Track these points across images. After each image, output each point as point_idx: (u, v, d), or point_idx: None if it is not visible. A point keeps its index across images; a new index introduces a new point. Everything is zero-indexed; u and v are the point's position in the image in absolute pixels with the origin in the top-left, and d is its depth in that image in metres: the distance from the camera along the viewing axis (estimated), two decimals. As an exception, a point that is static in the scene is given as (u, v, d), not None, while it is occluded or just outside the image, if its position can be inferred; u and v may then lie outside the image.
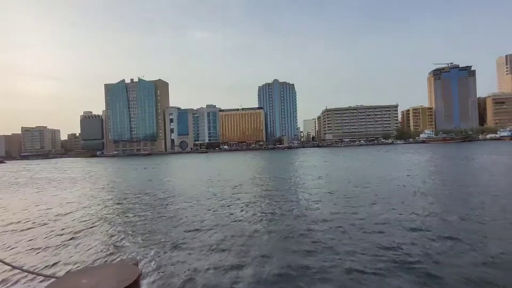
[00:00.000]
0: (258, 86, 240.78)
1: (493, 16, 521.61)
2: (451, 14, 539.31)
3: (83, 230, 13.08)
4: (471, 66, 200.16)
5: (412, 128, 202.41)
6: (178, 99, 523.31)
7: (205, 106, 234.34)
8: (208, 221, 13.94)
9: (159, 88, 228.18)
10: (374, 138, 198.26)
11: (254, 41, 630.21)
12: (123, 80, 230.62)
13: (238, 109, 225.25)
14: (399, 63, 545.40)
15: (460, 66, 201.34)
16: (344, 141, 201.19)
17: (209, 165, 58.10)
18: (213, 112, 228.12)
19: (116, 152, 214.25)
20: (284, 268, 8.41)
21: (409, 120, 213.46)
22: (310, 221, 13.23)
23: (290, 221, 13.39)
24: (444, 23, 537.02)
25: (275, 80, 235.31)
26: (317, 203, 17.18)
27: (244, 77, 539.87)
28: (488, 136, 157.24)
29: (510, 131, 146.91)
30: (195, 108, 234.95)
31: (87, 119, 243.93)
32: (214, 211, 16.08)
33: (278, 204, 17.47)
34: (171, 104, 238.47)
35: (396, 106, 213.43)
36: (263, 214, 14.91)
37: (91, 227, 13.58)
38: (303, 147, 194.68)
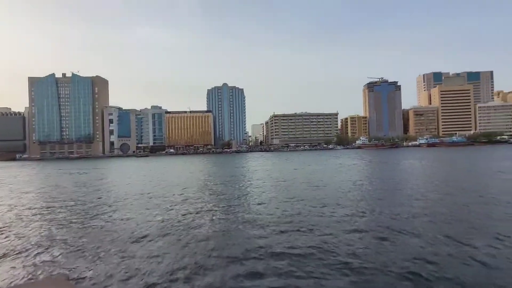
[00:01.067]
0: (207, 89, 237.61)
1: (419, 38, 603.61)
2: (388, 33, 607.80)
3: (9, 245, 11.34)
4: (397, 82, 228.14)
5: (349, 134, 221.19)
6: (120, 99, 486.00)
7: (150, 107, 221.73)
8: (141, 230, 12.95)
9: (97, 85, 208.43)
10: (317, 144, 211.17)
11: (204, 43, 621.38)
12: (53, 74, 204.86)
13: (186, 112, 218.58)
14: (341, 73, 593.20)
15: (389, 81, 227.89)
16: (290, 146, 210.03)
17: (147, 170, 54.78)
18: (158, 114, 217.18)
19: (41, 155, 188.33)
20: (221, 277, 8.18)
21: (347, 127, 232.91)
22: (250, 224, 13.21)
23: (229, 226, 13.18)
24: (381, 41, 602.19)
25: (225, 84, 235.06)
26: (258, 205, 17.33)
27: (193, 79, 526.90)
28: (410, 143, 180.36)
29: (426, 139, 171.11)
30: (138, 109, 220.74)
31: (4, 117, 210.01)
32: (148, 221, 15.03)
33: (216, 209, 17.12)
34: (111, 104, 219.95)
35: (336, 114, 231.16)
36: (198, 220, 14.42)
37: (18, 243, 11.66)
38: (251, 151, 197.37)
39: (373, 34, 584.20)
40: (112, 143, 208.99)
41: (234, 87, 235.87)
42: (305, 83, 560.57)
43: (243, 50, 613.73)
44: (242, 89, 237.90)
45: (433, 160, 57.75)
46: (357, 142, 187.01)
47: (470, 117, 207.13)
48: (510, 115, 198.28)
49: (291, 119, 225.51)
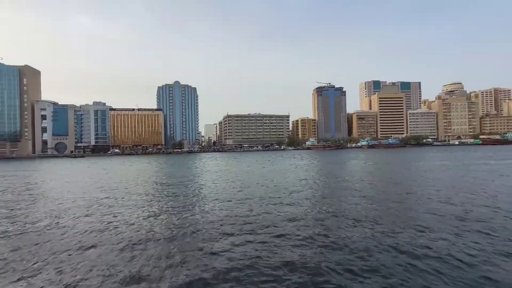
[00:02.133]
0: (158, 87, 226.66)
1: (364, 49, 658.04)
2: (337, 42, 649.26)
3: None
4: (343, 88, 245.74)
5: (300, 136, 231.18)
6: (57, 93, 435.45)
7: (91, 103, 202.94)
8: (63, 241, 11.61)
9: (26, 76, 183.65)
10: (269, 144, 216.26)
11: (154, 39, 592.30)
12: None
13: (133, 109, 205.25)
14: (293, 77, 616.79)
15: (336, 86, 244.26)
16: (243, 146, 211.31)
17: (76, 172, 50.02)
18: (102, 111, 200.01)
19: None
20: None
21: (298, 129, 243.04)
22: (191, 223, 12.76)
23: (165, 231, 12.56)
24: (330, 49, 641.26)
25: (176, 82, 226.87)
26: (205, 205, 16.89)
27: (142, 77, 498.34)
28: (354, 144, 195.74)
29: (367, 141, 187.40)
30: (78, 104, 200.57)
31: None
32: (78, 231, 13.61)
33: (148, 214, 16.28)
34: (45, 98, 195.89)
35: (288, 116, 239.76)
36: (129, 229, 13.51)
37: None
38: (204, 151, 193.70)
39: (323, 41, 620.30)
40: (45, 142, 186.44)
41: (187, 85, 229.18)
42: (259, 84, 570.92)
43: (197, 49, 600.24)
44: (195, 88, 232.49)
45: (372, 159, 63.43)
46: (307, 143, 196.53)
47: (403, 122, 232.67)
48: (433, 121, 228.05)
49: (244, 120, 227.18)
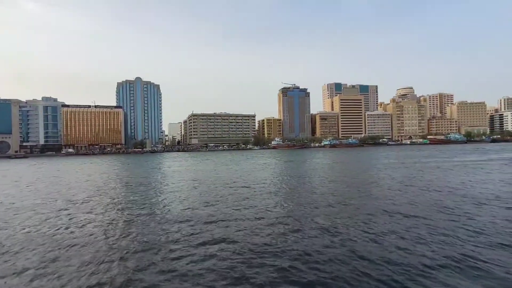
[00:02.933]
0: (117, 83, 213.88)
1: (327, 51, 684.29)
2: (302, 44, 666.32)
3: None
4: (307, 89, 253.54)
5: (266, 135, 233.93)
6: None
7: (40, 99, 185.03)
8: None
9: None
10: (235, 144, 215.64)
11: (113, 33, 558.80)
12: None
13: (89, 106, 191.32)
14: (260, 77, 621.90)
15: (300, 87, 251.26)
16: (209, 146, 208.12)
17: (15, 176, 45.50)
18: (52, 107, 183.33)
19: None
20: None
21: (264, 128, 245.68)
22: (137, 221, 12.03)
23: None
24: (295, 51, 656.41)
25: (138, 78, 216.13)
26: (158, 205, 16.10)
27: (99, 72, 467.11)
28: (317, 144, 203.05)
29: (329, 141, 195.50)
30: (23, 99, 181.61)
31: None
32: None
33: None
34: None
35: (254, 116, 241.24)
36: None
37: None
38: (167, 151, 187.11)
39: (288, 43, 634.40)
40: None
41: (149, 82, 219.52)
42: (225, 84, 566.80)
43: (161, 45, 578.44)
44: (158, 85, 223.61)
45: (334, 158, 66.25)
46: (273, 143, 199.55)
47: (361, 123, 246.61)
48: (388, 122, 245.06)
49: (210, 119, 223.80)
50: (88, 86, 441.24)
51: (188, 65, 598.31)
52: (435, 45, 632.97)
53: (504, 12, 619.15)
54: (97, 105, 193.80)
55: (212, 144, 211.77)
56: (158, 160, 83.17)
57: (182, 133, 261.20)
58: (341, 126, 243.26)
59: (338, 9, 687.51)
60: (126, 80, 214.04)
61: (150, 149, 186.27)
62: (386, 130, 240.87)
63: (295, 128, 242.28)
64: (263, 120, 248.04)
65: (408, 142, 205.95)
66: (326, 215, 14.34)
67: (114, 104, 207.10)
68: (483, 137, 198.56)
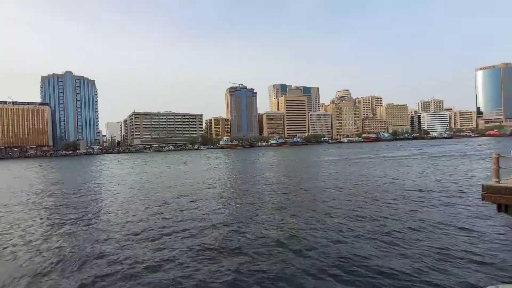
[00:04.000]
0: (42, 76, 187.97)
1: (274, 53, 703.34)
2: (250, 44, 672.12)
3: None
4: (254, 89, 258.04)
5: (214, 135, 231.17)
6: None
7: None
8: None
9: None
10: (182, 144, 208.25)
11: (36, 17, 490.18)
12: None
13: (5, 102, 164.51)
14: (207, 76, 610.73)
15: (248, 87, 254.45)
16: (153, 146, 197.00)
17: None
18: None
19: None
20: None
21: (211, 128, 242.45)
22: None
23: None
24: (243, 50, 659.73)
25: (68, 72, 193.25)
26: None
27: (18, 63, 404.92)
28: (264, 143, 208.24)
29: (276, 140, 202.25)
30: None
31: None
32: None
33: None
34: None
35: (201, 115, 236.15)
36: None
37: None
38: (106, 153, 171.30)
39: (235, 43, 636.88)
40: None
41: (82, 77, 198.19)
42: (170, 82, 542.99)
43: (96, 37, 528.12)
44: (93, 80, 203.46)
45: (280, 156, 68.63)
46: (221, 142, 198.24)
47: (305, 122, 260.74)
48: (329, 122, 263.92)
49: (154, 118, 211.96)
50: (4, 78, 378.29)
51: (130, 62, 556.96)
52: (369, 50, 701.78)
53: (418, 26, 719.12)
54: (16, 102, 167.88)
55: (157, 145, 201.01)
56: (93, 163, 75.59)
57: (123, 133, 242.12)
58: (287, 125, 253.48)
59: (285, 12, 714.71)
60: (53, 74, 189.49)
61: (85, 151, 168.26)
62: (327, 129, 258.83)
63: (243, 127, 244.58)
64: (211, 120, 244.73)
65: (346, 140, 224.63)
66: (272, 213, 14.67)
67: (39, 100, 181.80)
68: (406, 135, 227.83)
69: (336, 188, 21.45)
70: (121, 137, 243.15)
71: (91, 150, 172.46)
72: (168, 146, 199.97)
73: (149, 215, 15.26)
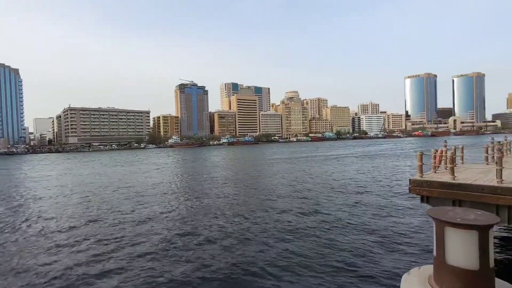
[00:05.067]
0: None
1: (226, 50, 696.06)
2: (201, 41, 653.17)
3: None
4: (205, 87, 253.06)
5: (162, 133, 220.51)
6: None
7: None
8: None
9: None
10: (127, 143, 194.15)
11: None
12: None
13: None
14: (155, 72, 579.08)
15: (198, 85, 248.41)
16: (93, 145, 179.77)
17: None
18: None
19: None
20: None
21: (160, 126, 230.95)
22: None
23: None
24: (193, 47, 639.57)
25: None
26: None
27: None
28: (215, 142, 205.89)
29: (227, 139, 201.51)
30: None
31: None
32: None
33: None
34: None
35: (148, 112, 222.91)
36: None
37: None
38: (34, 152, 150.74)
39: (184, 40, 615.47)
40: None
41: (3, 65, 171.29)
42: (113, 76, 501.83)
43: (29, 23, 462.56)
44: (17, 69, 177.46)
45: (232, 155, 68.51)
46: (170, 141, 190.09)
47: (256, 122, 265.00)
48: (279, 121, 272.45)
49: (94, 114, 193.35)
50: None
51: (63, 49, 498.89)
52: (318, 54, 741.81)
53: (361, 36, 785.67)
54: None
55: (97, 143, 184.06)
56: (16, 165, 65.89)
57: (56, 130, 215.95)
58: (238, 124, 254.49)
59: (237, 13, 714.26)
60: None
61: (6, 150, 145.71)
62: (277, 128, 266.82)
63: (194, 126, 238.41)
64: (159, 117, 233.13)
65: (295, 140, 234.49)
66: (218, 214, 14.47)
67: None
68: (348, 135, 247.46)
69: (282, 186, 22.16)
70: (54, 135, 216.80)
71: (14, 150, 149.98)
72: (111, 145, 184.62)
73: (78, 222, 13.81)
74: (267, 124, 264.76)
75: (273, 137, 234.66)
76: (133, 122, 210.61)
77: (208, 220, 13.21)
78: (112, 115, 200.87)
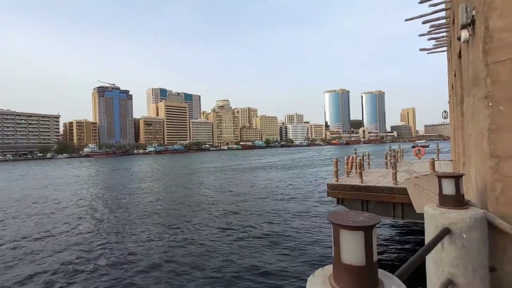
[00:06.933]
0: None
1: (153, 55, 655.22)
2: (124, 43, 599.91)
3: None
4: (129, 91, 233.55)
5: (76, 141, 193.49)
6: None
7: None
8: None
9: None
10: (27, 152, 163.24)
11: None
12: None
13: None
14: (66, 73, 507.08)
15: (121, 89, 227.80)
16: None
17: None
18: None
19: None
20: None
21: (73, 133, 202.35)
22: None
23: None
24: (113, 48, 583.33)
25: None
26: None
27: None
28: (141, 150, 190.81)
29: (154, 147, 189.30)
30: None
31: None
32: None
33: None
34: None
35: (57, 117, 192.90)
36: None
37: None
38: None
39: (108, 42, 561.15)
40: None
41: None
42: (18, 73, 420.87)
43: None
44: None
45: (158, 165, 64.37)
46: (85, 150, 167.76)
47: (186, 129, 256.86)
48: (210, 129, 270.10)
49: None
50: None
51: None
52: (249, 65, 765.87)
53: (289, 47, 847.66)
54: None
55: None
56: None
57: None
58: (167, 132, 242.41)
59: (164, 18, 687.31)
60: None
61: None
62: (208, 137, 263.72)
63: (115, 133, 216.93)
64: (71, 123, 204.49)
65: (226, 148, 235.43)
66: (141, 229, 13.32)
67: None
68: (276, 143, 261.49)
69: (210, 196, 21.80)
70: None
71: None
72: (5, 156, 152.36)
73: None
74: (198, 132, 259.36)
75: (204, 145, 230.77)
76: (37, 128, 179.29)
77: (118, 240, 11.93)
78: (7, 119, 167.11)
